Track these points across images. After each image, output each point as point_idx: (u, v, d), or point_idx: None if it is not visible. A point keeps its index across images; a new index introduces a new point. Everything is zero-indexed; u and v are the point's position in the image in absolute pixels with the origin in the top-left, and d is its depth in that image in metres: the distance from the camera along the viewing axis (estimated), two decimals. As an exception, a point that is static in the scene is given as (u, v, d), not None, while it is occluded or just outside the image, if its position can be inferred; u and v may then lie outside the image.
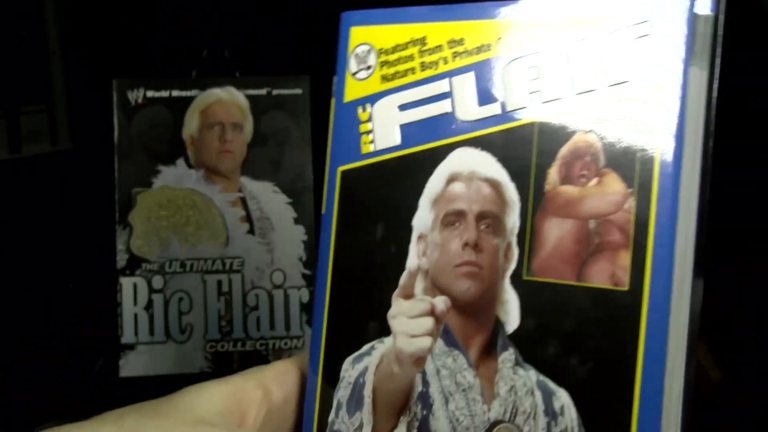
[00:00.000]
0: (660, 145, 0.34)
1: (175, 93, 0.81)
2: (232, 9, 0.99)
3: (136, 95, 0.81)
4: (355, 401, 0.38)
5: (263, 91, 0.82)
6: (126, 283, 0.80)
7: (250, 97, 0.82)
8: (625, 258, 0.34)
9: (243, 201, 0.81)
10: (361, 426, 0.38)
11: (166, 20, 1.03)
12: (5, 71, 1.11)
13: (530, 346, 0.36)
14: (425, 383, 0.37)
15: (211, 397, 0.37)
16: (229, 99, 0.82)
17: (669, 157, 0.33)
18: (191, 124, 0.81)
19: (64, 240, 1.09)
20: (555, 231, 0.36)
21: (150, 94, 0.81)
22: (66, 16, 1.16)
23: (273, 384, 0.39)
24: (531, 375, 0.36)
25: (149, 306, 0.80)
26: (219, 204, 0.81)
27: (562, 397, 0.35)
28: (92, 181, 0.96)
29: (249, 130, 0.82)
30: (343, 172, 0.40)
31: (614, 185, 0.35)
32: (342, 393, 0.38)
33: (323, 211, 0.40)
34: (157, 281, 0.80)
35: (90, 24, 1.13)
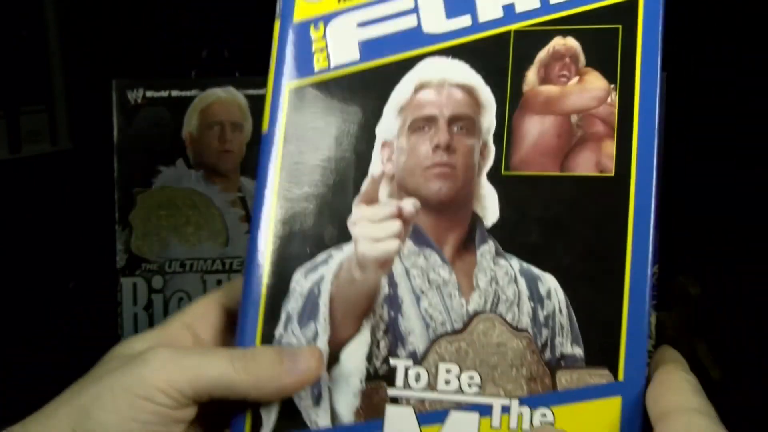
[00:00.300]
0: (642, 43, 0.35)
1: (175, 93, 0.81)
2: (232, 9, 0.99)
3: (136, 95, 0.81)
4: (308, 312, 0.37)
5: (263, 91, 0.82)
6: (126, 283, 0.80)
7: (249, 97, 0.82)
8: (610, 147, 0.35)
9: (243, 201, 0.81)
10: (316, 335, 0.37)
11: (166, 20, 1.03)
12: (5, 71, 1.11)
13: (511, 237, 0.36)
14: (393, 285, 0.37)
15: (143, 348, 0.36)
16: (229, 99, 0.82)
17: (651, 52, 0.35)
18: (191, 124, 0.81)
19: (64, 240, 1.09)
20: (535, 128, 0.37)
21: (150, 94, 0.81)
22: (66, 16, 1.16)
23: (199, 322, 0.39)
24: (513, 264, 0.36)
25: (149, 306, 0.80)
26: (219, 204, 0.81)
27: (549, 281, 0.35)
28: (92, 181, 0.96)
29: (249, 129, 0.82)
30: (293, 89, 0.39)
31: (596, 82, 0.36)
32: (292, 305, 0.37)
33: (264, 129, 0.39)
34: (157, 281, 0.80)
35: (90, 24, 1.13)
